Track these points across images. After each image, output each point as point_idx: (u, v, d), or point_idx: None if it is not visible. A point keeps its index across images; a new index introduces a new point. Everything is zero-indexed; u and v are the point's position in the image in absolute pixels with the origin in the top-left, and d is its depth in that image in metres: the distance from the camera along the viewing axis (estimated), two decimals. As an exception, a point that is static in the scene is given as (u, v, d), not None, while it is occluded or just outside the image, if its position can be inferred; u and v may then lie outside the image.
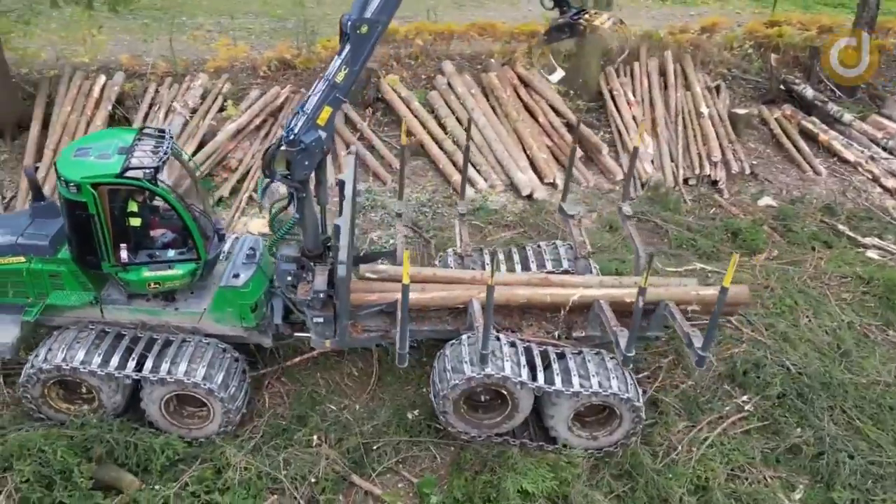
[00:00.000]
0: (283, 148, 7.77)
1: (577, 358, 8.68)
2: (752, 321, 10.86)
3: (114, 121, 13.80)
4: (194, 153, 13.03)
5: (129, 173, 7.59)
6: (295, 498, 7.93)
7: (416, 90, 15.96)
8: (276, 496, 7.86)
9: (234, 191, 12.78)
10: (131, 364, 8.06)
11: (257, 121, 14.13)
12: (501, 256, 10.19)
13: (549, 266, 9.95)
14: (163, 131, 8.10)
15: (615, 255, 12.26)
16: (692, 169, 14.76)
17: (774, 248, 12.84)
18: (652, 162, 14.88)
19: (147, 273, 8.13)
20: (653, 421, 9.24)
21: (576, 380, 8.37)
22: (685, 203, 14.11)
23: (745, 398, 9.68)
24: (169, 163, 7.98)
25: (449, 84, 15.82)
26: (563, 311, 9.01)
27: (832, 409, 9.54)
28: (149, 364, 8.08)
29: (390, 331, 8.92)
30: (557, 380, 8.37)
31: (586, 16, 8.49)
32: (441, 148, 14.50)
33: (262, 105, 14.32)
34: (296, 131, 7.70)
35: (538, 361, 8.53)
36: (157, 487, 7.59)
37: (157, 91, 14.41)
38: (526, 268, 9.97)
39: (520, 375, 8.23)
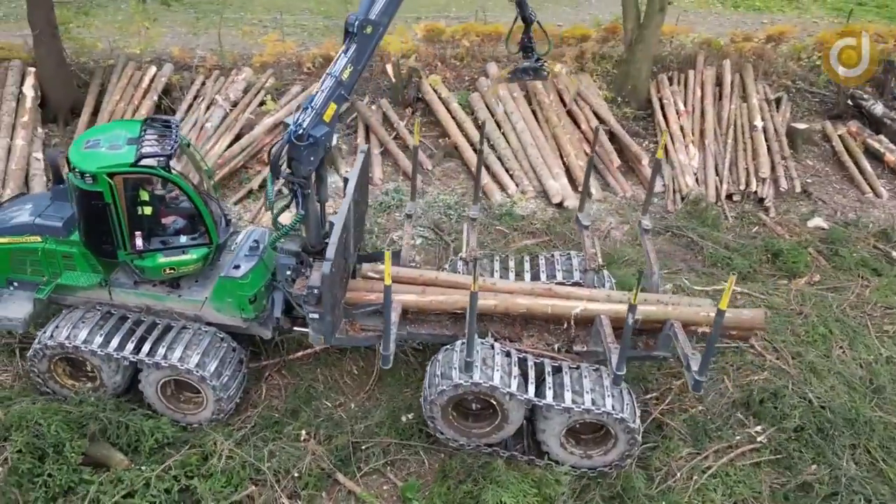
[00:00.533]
0: (291, 143, 7.93)
1: (574, 373, 8.49)
2: (778, 348, 10.37)
3: (159, 110, 14.40)
4: (230, 145, 13.45)
5: (144, 162, 7.91)
6: (276, 491, 8.06)
7: (459, 91, 15.98)
8: (256, 487, 8.01)
9: (265, 184, 13.04)
10: (130, 346, 8.39)
11: (295, 116, 14.44)
12: (512, 264, 10.06)
13: (559, 277, 9.77)
14: (168, 121, 8.40)
15: (642, 268, 11.91)
16: (738, 184, 14.19)
17: (817, 272, 12.20)
18: (695, 175, 14.39)
19: (162, 259, 8.45)
20: (654, 444, 8.95)
21: (568, 395, 8.19)
22: (726, 220, 13.57)
23: (758, 428, 9.25)
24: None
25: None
26: (566, 324, 8.86)
27: (854, 448, 9.01)
28: (146, 348, 8.40)
29: (387, 332, 8.96)
30: (549, 394, 8.22)
31: (547, 63, 9.45)
32: (476, 151, 14.43)
33: (300, 101, 14.63)
34: (304, 126, 7.86)
35: (531, 373, 8.40)
36: (142, 468, 7.86)
37: (203, 83, 14.95)
38: (536, 277, 9.83)
39: (509, 386, 8.12)
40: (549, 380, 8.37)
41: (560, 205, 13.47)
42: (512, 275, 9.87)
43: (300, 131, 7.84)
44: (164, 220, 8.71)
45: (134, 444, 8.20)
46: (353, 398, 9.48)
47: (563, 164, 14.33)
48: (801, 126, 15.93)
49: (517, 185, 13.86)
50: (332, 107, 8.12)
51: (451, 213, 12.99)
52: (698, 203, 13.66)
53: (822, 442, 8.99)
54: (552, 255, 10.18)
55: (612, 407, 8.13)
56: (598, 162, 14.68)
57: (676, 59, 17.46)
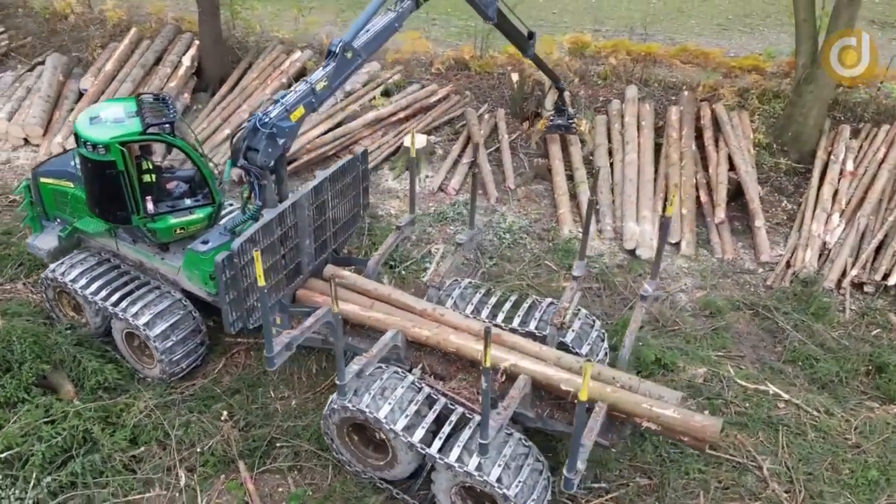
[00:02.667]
0: (254, 129, 8.57)
1: (480, 431, 7.89)
2: (795, 479, 8.53)
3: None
4: (325, 132, 14.44)
5: (151, 130, 9.03)
6: (174, 458, 8.72)
7: (587, 111, 15.24)
8: (150, 447, 8.74)
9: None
10: (103, 293, 9.63)
11: (401, 114, 15.00)
12: (492, 300, 9.55)
13: (532, 326, 9.08)
14: (157, 95, 9.43)
15: (688, 345, 10.49)
16: (875, 273, 11.68)
17: (925, 403, 9.69)
18: (826, 251, 12.15)
19: (173, 220, 9.51)
20: (567, 541, 8.00)
21: (455, 451, 7.68)
22: (841, 312, 11.28)
23: (709, 565, 7.79)
24: None
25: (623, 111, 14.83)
26: (500, 376, 8.30)
27: None
28: (114, 298, 9.57)
29: (328, 337, 9.15)
30: (435, 443, 7.78)
31: (577, 121, 12.86)
32: (571, 178, 13.76)
33: (410, 100, 15.16)
34: (271, 116, 8.51)
35: (430, 416, 8.02)
36: (75, 402, 9.04)
37: (336, 71, 16.15)
38: (509, 320, 9.24)
39: (394, 423, 7.85)
40: (444, 429, 7.91)
41: (633, 252, 12.31)
42: (486, 311, 9.39)
43: (266, 119, 8.46)
44: (168, 186, 9.81)
45: (82, 380, 9.43)
46: (298, 396, 9.80)
47: (663, 207, 13.06)
48: None
49: (598, 222, 12.93)
50: (301, 110, 8.67)
51: (506, 236, 12.57)
52: (809, 285, 11.53)
53: None
54: (539, 301, 9.47)
55: (498, 479, 7.45)
56: (707, 213, 13.11)
57: (877, 110, 14.80)
